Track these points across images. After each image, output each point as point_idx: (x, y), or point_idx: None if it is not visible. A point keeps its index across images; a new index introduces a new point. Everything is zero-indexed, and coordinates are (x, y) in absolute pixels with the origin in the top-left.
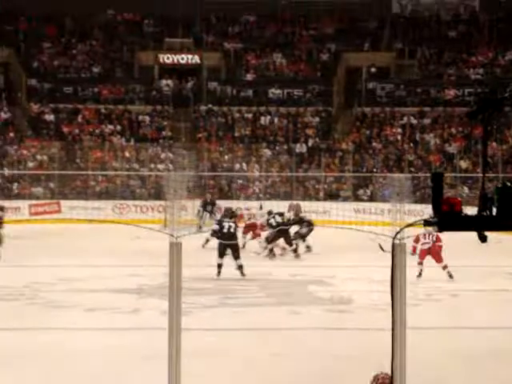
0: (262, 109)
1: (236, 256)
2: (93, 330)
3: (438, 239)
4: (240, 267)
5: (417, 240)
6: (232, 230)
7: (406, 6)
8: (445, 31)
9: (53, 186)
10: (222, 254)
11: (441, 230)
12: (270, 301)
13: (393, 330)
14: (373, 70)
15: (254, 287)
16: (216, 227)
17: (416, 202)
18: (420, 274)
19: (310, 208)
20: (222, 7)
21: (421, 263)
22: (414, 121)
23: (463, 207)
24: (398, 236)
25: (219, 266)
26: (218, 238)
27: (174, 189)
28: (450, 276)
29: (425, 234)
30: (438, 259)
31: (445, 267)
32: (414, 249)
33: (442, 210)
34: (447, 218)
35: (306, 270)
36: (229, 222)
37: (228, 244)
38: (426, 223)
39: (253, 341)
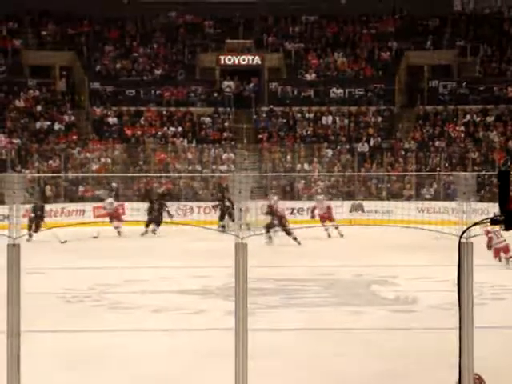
0: (324, 108)
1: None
2: (158, 331)
3: None
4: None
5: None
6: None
7: (467, 3)
8: (507, 28)
9: (116, 187)
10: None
11: (507, 229)
12: (334, 301)
13: (460, 329)
14: (435, 68)
15: (317, 287)
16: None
17: (481, 200)
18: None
19: (375, 207)
20: (282, 8)
21: None
22: (476, 118)
23: None
24: (465, 235)
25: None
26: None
27: (239, 190)
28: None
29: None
30: None
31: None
32: None
33: (509, 209)
34: None
35: (370, 269)
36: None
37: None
38: (493, 222)
39: (317, 340)
